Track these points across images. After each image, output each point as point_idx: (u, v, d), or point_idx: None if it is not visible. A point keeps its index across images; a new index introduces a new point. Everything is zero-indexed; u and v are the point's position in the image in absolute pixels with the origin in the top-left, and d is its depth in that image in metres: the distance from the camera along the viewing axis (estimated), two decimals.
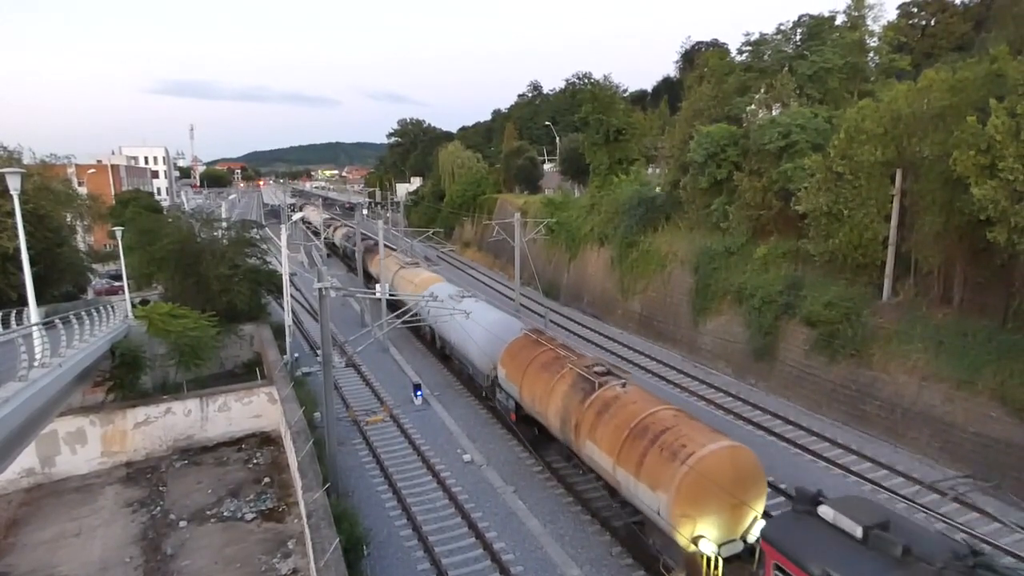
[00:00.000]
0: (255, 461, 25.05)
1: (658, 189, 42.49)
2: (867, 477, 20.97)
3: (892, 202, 24.95)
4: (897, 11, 63.58)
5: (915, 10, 65.02)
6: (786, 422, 25.60)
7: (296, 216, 63.86)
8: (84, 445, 24.40)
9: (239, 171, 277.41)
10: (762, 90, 38.61)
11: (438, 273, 44.11)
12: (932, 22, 63.94)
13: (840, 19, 42.27)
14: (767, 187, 30.93)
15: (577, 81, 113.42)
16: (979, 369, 21.04)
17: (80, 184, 65.47)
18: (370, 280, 53.24)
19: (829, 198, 26.07)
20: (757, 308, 29.66)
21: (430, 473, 22.47)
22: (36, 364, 15.57)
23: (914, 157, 24.09)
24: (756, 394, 28.64)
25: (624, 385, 18.57)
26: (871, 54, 42.05)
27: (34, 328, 17.14)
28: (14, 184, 17.81)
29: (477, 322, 26.97)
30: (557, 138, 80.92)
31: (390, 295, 36.40)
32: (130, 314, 29.98)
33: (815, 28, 42.18)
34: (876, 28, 41.79)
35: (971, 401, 21.07)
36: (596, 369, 19.88)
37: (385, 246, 51.14)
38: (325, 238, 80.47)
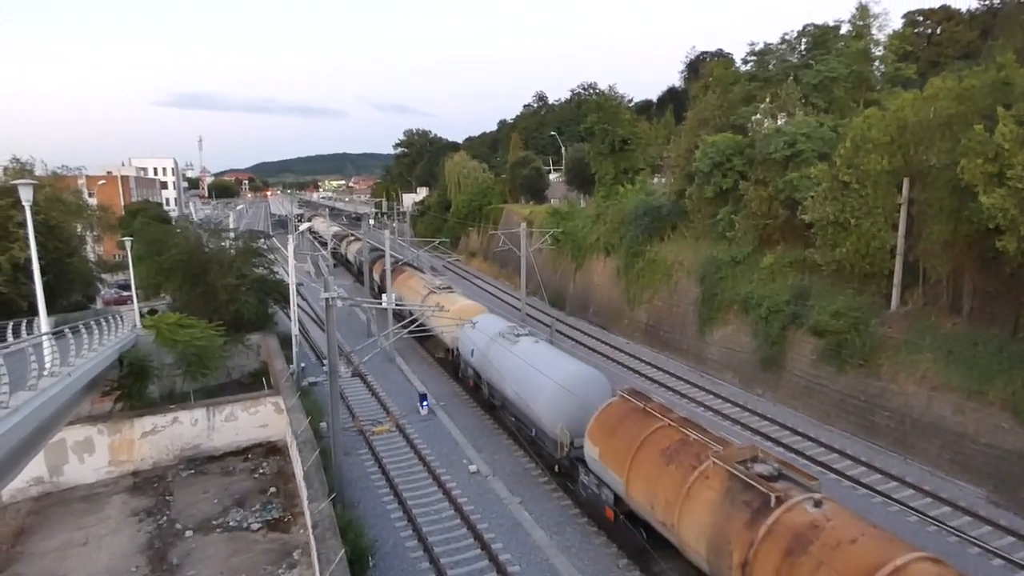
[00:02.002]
0: (261, 471, 25.06)
1: (664, 198, 42.51)
2: (877, 489, 20.76)
3: (899, 211, 24.85)
4: (902, 20, 63.71)
5: (920, 19, 65.13)
6: (794, 433, 25.41)
7: (303, 227, 64.21)
8: (92, 454, 24.49)
9: (247, 182, 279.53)
10: (767, 99, 38.67)
11: (474, 299, 38.58)
12: (938, 30, 64.01)
13: (845, 28, 42.40)
14: (773, 196, 30.89)
15: (583, 91, 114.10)
16: (990, 379, 20.83)
17: (90, 195, 66.04)
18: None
19: (836, 207, 26.01)
20: (764, 318, 29.53)
21: (436, 484, 22.39)
22: (46, 373, 15.67)
23: (921, 166, 24.03)
24: (764, 404, 28.46)
25: (819, 504, 12.04)
26: (876, 63, 42.08)
27: (44, 337, 17.27)
28: (26, 195, 18.02)
29: (542, 371, 21.55)
30: (563, 148, 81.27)
31: (419, 329, 31.90)
32: (138, 324, 30.17)
33: (820, 38, 42.31)
34: (881, 37, 41.91)
35: (982, 412, 20.85)
36: (762, 470, 13.30)
37: (409, 264, 48.79)
38: (333, 249, 78.10)
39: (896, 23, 61.14)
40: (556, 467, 21.47)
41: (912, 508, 19.56)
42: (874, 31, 41.54)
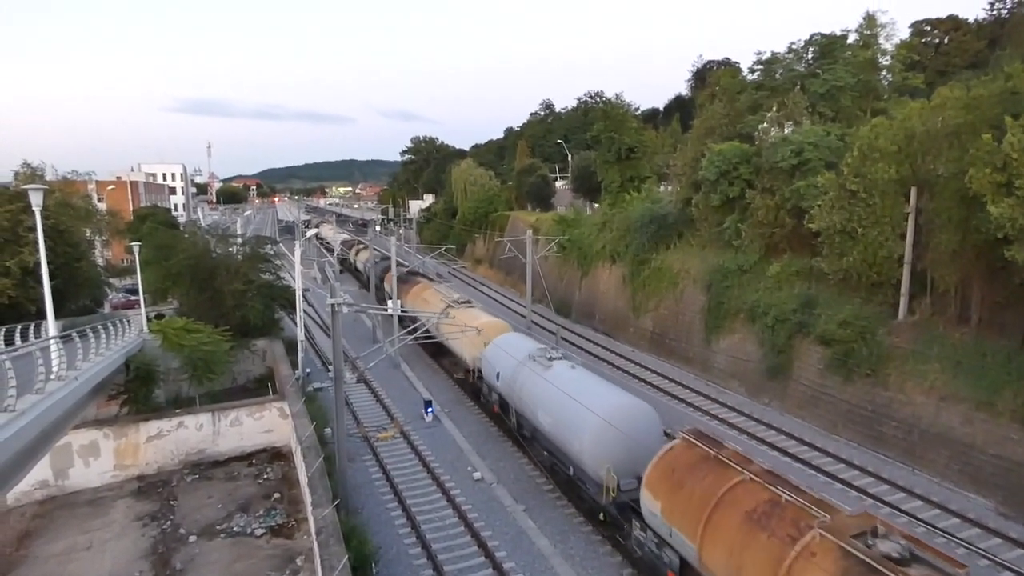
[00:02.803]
0: (265, 476, 25.04)
1: (670, 206, 42.49)
2: (885, 500, 20.57)
3: (907, 220, 24.75)
4: (909, 29, 63.72)
5: (928, 28, 65.09)
6: (801, 442, 25.24)
7: (310, 233, 64.46)
8: (97, 458, 24.55)
9: (254, 188, 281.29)
10: (774, 108, 38.67)
11: (493, 314, 35.33)
12: (945, 40, 63.92)
13: (852, 38, 42.38)
14: (780, 205, 30.83)
15: (589, 99, 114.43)
16: (999, 390, 20.66)
17: (100, 200, 66.62)
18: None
19: (843, 216, 25.93)
20: (770, 326, 29.40)
21: (440, 490, 22.34)
22: (53, 377, 15.74)
23: (929, 175, 23.95)
24: (770, 414, 28.29)
25: None
26: (884, 72, 42.05)
27: (52, 341, 17.36)
28: (36, 200, 18.18)
29: (583, 402, 18.88)
30: (569, 156, 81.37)
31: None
32: (145, 328, 30.28)
33: (827, 47, 42.31)
34: (888, 47, 41.89)
35: (991, 423, 20.66)
36: (889, 550, 10.60)
37: (423, 275, 46.75)
38: (342, 257, 77.18)
39: (903, 33, 61.06)
40: (601, 514, 18.79)
41: (920, 520, 19.36)
42: (881, 41, 41.59)
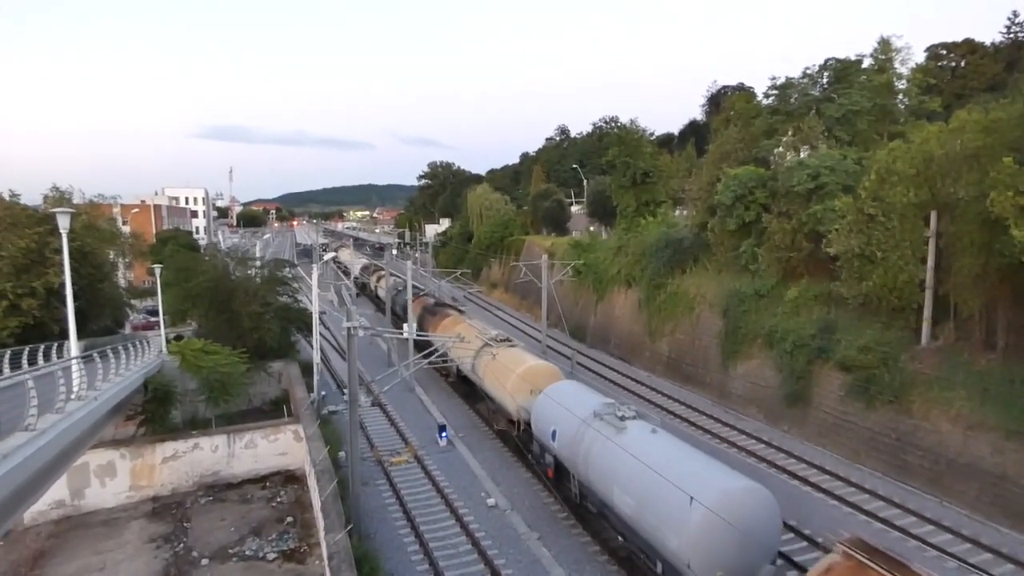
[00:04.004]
0: (279, 499, 24.98)
1: (686, 231, 42.39)
2: (912, 533, 19.92)
3: (927, 244, 24.43)
4: (925, 53, 63.61)
5: (943, 52, 64.96)
6: (822, 471, 24.65)
7: (328, 256, 65.12)
8: (113, 478, 24.69)
9: (274, 211, 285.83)
10: (790, 132, 38.65)
11: (538, 354, 31.53)
12: (962, 63, 63.72)
13: (867, 63, 42.42)
14: (797, 229, 30.60)
15: (604, 125, 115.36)
16: None
17: (124, 223, 68.03)
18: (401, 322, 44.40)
19: (861, 240, 25.66)
20: (789, 352, 28.98)
21: (453, 517, 22.07)
22: (73, 396, 15.92)
23: (949, 198, 23.66)
24: (790, 441, 27.72)
25: None
26: (900, 96, 41.94)
27: (73, 361, 17.61)
28: (63, 223, 18.65)
29: (679, 484, 14.89)
30: (584, 180, 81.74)
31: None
32: (164, 349, 30.63)
33: (842, 71, 42.35)
34: (904, 71, 41.82)
35: (1023, 453, 20.03)
36: None
37: (453, 307, 43.91)
38: (359, 281, 76.39)
39: (919, 57, 61.02)
40: None
41: (950, 554, 18.71)
42: (896, 65, 41.56)
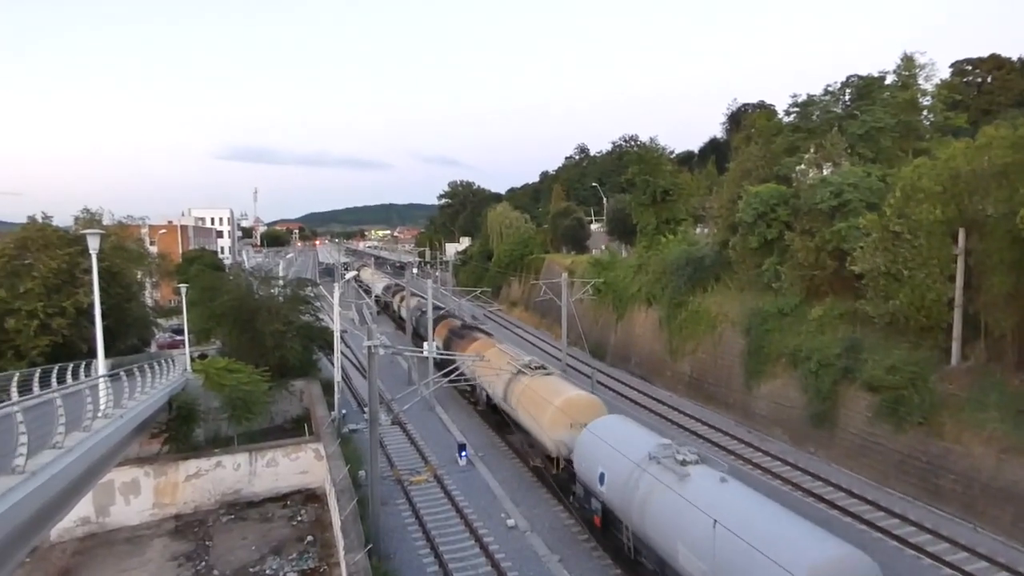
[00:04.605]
0: (299, 518, 25.02)
1: (707, 249, 42.08)
2: (945, 560, 19.28)
3: (955, 262, 23.94)
4: (950, 69, 62.84)
5: (969, 68, 64.17)
6: (850, 494, 24.02)
7: (349, 275, 65.81)
8: (137, 496, 24.96)
9: (297, 231, 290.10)
10: (811, 150, 38.34)
11: (579, 384, 28.81)
12: (988, 79, 62.86)
13: (890, 79, 42.03)
14: (820, 247, 30.22)
15: (624, 143, 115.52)
16: None
17: (152, 243, 69.55)
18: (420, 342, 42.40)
19: (887, 258, 25.24)
20: (814, 372, 28.45)
21: (473, 537, 21.89)
22: (100, 415, 16.19)
23: (977, 216, 23.23)
24: (816, 463, 27.09)
25: None
26: (925, 112, 41.42)
27: (100, 380, 17.94)
28: (93, 244, 19.16)
29: (765, 551, 12.65)
30: (604, 199, 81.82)
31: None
32: (188, 368, 31.07)
33: (864, 88, 42.02)
34: (928, 87, 41.33)
35: None
36: None
37: (482, 330, 42.25)
38: (382, 301, 75.62)
39: (943, 73, 60.36)
40: None
41: None
42: (921, 81, 41.07)
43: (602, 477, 19.33)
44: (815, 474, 25.93)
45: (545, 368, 29.23)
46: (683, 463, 16.59)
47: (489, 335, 40.91)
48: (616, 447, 19.01)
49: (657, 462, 17.10)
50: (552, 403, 24.08)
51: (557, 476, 24.10)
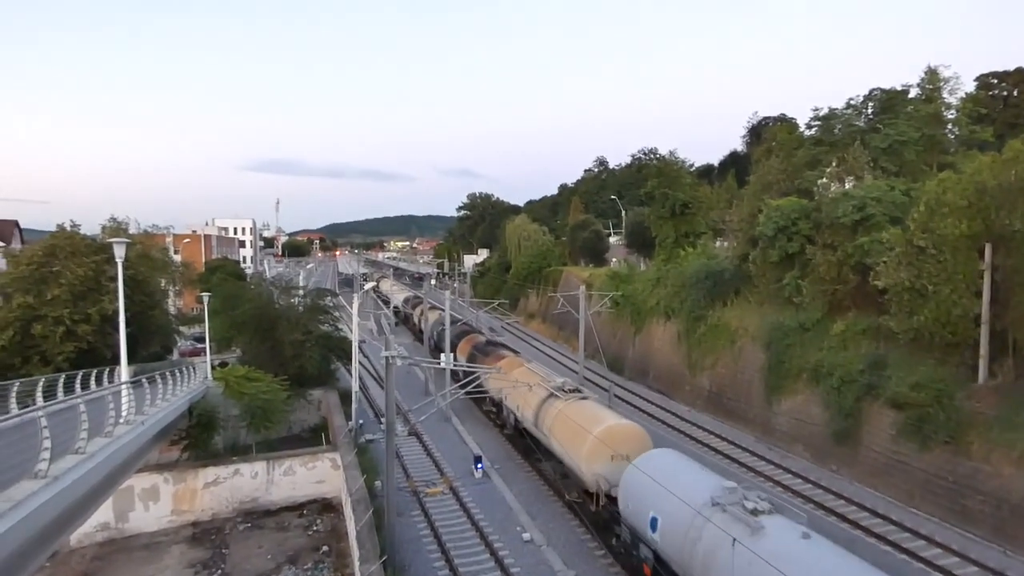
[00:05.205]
0: (315, 528, 25.07)
1: (726, 262, 41.72)
2: None
3: (982, 277, 23.43)
4: (975, 82, 61.85)
5: (995, 81, 63.14)
6: (874, 514, 23.46)
7: (368, 286, 66.27)
8: (156, 502, 25.21)
9: (318, 241, 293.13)
10: (833, 163, 37.97)
11: (620, 411, 27.08)
12: (1014, 92, 61.79)
13: (913, 92, 41.60)
14: (842, 261, 29.81)
15: (643, 156, 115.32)
16: None
17: (176, 252, 70.75)
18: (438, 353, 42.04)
19: (911, 273, 24.79)
20: (836, 388, 27.96)
21: (488, 551, 21.74)
22: (121, 421, 16.41)
23: (1004, 230, 22.76)
24: (839, 481, 26.53)
25: None
26: (949, 126, 40.87)
27: (123, 387, 18.21)
28: (119, 253, 19.54)
29: None
30: (623, 212, 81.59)
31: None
32: (209, 376, 31.41)
33: (887, 102, 41.66)
34: (953, 100, 40.81)
35: None
36: None
37: (509, 348, 40.93)
38: (403, 314, 75.06)
39: (968, 86, 59.49)
40: None
41: None
42: (945, 94, 40.58)
43: (654, 523, 17.11)
44: (838, 493, 25.39)
45: (580, 391, 27.25)
46: (754, 512, 14.43)
47: (516, 352, 39.45)
48: (670, 488, 16.56)
49: (723, 510, 14.87)
50: (590, 432, 21.92)
51: (598, 514, 21.80)
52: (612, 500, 20.60)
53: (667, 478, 17.28)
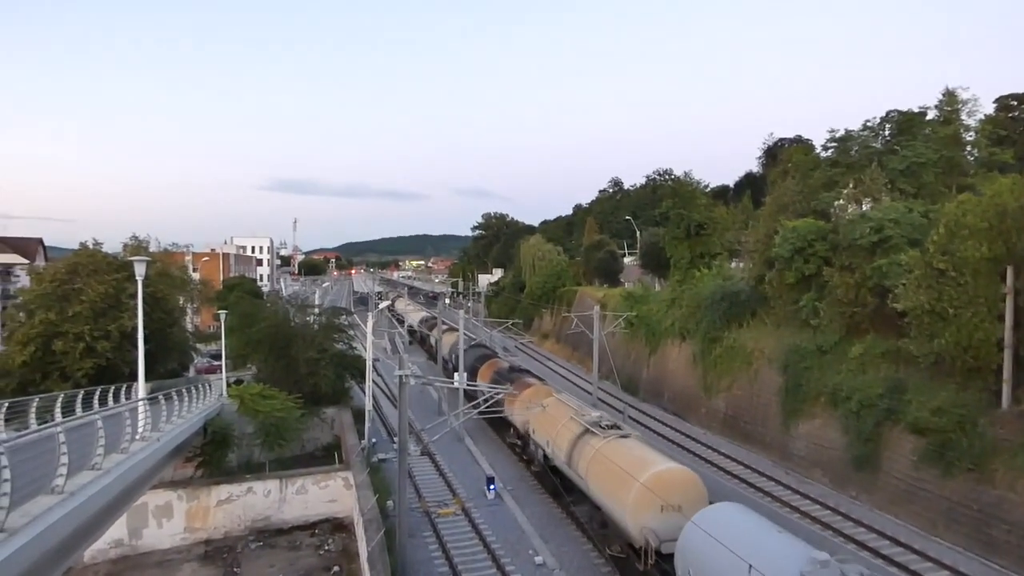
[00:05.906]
0: (327, 548, 24.97)
1: (742, 283, 41.43)
2: None
3: (1004, 301, 23.03)
4: (994, 104, 61.41)
5: (1014, 103, 62.62)
6: (895, 543, 22.87)
7: (382, 305, 66.66)
8: (170, 519, 25.28)
9: (334, 260, 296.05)
10: (850, 185, 37.73)
11: (670, 454, 24.42)
12: None
13: (931, 114, 41.38)
14: (860, 283, 29.47)
15: (658, 177, 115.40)
16: None
17: (195, 270, 71.81)
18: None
19: (931, 296, 24.43)
20: (855, 412, 27.46)
21: (500, 574, 21.48)
22: (137, 437, 16.57)
23: None
24: (859, 509, 25.93)
25: None
26: (968, 148, 40.52)
27: (140, 403, 18.42)
28: (140, 271, 19.89)
29: None
30: (637, 232, 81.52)
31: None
32: (224, 393, 31.63)
33: (905, 123, 41.43)
34: (972, 122, 40.52)
35: None
36: None
37: (533, 375, 38.34)
38: (419, 334, 74.66)
39: (988, 108, 59.02)
40: None
41: None
42: (964, 116, 40.31)
43: None
44: (857, 520, 24.81)
45: (620, 427, 24.55)
46: (843, 570, 12.49)
47: (542, 380, 36.77)
48: (745, 557, 13.81)
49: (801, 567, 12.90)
50: (636, 479, 19.32)
51: (647, 573, 18.98)
52: (662, 557, 18.20)
53: (738, 542, 14.61)
